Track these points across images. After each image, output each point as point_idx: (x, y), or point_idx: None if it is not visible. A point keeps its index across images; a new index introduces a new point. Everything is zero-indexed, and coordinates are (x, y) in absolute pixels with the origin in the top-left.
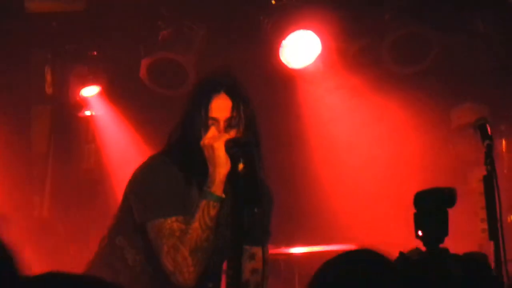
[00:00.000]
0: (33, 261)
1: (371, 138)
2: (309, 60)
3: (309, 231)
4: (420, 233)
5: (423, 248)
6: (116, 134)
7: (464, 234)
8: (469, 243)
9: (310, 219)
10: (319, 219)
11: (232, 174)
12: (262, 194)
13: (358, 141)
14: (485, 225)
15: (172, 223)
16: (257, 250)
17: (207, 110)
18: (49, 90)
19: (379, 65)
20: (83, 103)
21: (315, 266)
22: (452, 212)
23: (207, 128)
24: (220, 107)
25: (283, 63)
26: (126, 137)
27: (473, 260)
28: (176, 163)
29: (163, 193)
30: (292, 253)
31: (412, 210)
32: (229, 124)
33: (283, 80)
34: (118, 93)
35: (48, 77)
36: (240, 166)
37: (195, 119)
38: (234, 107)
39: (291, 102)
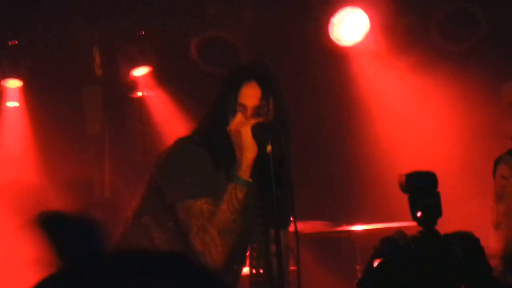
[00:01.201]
0: None
1: (423, 116)
2: (358, 37)
3: (369, 209)
4: (419, 214)
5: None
6: (168, 114)
7: None
8: None
9: (370, 197)
10: (378, 197)
11: (260, 157)
12: (286, 178)
13: (409, 119)
14: None
15: (202, 204)
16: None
17: (236, 96)
18: (98, 71)
19: (428, 42)
20: (134, 84)
21: (376, 243)
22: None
23: (234, 114)
24: (250, 94)
25: (332, 40)
26: (178, 117)
27: (469, 239)
28: (204, 146)
29: (193, 175)
30: (352, 231)
31: (468, 186)
32: (257, 112)
33: (333, 57)
34: (168, 73)
35: (97, 58)
36: (268, 148)
37: (225, 104)
38: (264, 96)
39: (341, 78)
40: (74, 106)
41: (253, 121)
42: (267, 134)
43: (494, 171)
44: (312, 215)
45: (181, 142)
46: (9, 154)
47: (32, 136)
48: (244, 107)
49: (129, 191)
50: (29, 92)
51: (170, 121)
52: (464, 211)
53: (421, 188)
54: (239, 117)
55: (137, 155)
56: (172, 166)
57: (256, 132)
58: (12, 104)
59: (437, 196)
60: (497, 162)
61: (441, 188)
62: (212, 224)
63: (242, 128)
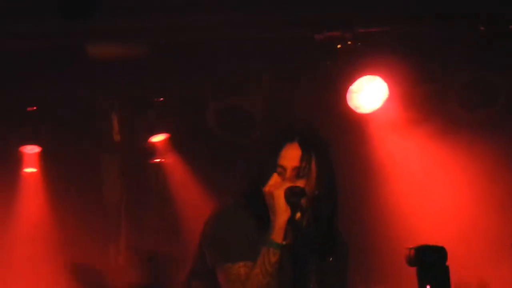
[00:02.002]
0: None
1: (441, 184)
2: (376, 105)
3: (383, 272)
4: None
5: None
6: (186, 180)
7: None
8: None
9: (393, 261)
10: (396, 266)
11: (291, 222)
12: (333, 243)
13: (428, 186)
14: None
15: (239, 268)
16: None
17: (276, 157)
18: (117, 137)
19: (446, 111)
20: (153, 150)
21: None
22: None
23: (269, 176)
24: (289, 156)
25: (351, 108)
26: (195, 183)
27: None
28: (247, 209)
29: (231, 239)
30: None
31: (503, 250)
32: (297, 173)
33: (351, 124)
34: (186, 139)
35: (115, 124)
36: (297, 215)
37: (264, 166)
38: (304, 157)
39: (359, 144)
40: (92, 172)
41: (288, 184)
42: (298, 199)
43: None
44: None
45: (222, 207)
46: (26, 220)
47: (49, 202)
48: (283, 168)
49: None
50: (47, 158)
51: (187, 187)
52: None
53: (430, 263)
54: (274, 178)
55: (154, 221)
56: (212, 231)
57: (288, 196)
58: (30, 170)
59: (446, 270)
60: None
61: (459, 257)
62: None
63: (276, 190)
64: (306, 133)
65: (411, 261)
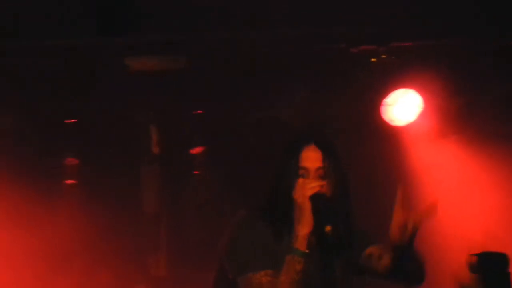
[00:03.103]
0: None
1: (476, 192)
2: (411, 117)
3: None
4: None
5: None
6: (226, 192)
7: None
8: None
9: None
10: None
11: (317, 233)
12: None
13: (463, 194)
14: None
15: (261, 277)
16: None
17: (297, 160)
18: (155, 149)
19: (481, 122)
20: (191, 162)
21: None
22: None
23: (297, 178)
24: (311, 157)
25: (385, 121)
26: (233, 195)
27: None
28: (266, 218)
29: (252, 249)
30: None
31: None
32: (320, 174)
33: (386, 136)
34: (224, 151)
35: (154, 137)
36: (327, 228)
37: (286, 170)
38: (325, 158)
39: (394, 157)
40: (131, 184)
41: (313, 189)
42: (326, 212)
43: None
44: None
45: (240, 217)
46: (66, 232)
47: (88, 214)
48: (306, 170)
49: (185, 269)
50: (87, 171)
51: (226, 198)
52: None
53: (494, 269)
54: (300, 183)
55: (193, 233)
56: (231, 242)
57: (316, 207)
58: (70, 182)
59: (508, 276)
60: None
61: None
62: None
63: (300, 198)
64: (321, 136)
65: (473, 268)
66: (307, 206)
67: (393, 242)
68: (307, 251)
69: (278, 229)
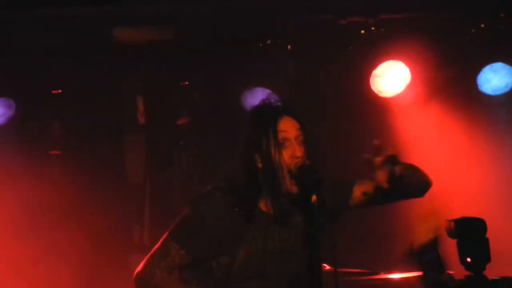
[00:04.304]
0: None
1: (460, 164)
2: (399, 89)
3: (406, 257)
4: (468, 260)
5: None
6: (212, 163)
7: None
8: None
9: (407, 246)
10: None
11: (304, 202)
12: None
13: (450, 168)
14: None
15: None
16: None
17: (275, 129)
18: (141, 119)
19: (468, 92)
20: (177, 132)
21: None
22: None
23: (279, 146)
24: (289, 125)
25: (373, 92)
26: (222, 166)
27: None
28: (235, 191)
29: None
30: (390, 278)
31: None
32: (299, 142)
33: (374, 107)
34: (212, 123)
35: (140, 106)
36: (313, 197)
37: (262, 140)
38: (302, 127)
39: (382, 127)
40: (117, 153)
41: (299, 159)
42: (313, 181)
43: None
44: (348, 263)
45: (201, 198)
46: (51, 201)
47: (74, 183)
48: (286, 138)
49: None
50: (73, 140)
51: (212, 168)
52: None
53: (471, 234)
54: (284, 151)
55: (178, 203)
56: (185, 224)
57: (302, 175)
58: (55, 151)
59: (486, 242)
60: None
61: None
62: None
63: (286, 168)
64: (291, 108)
65: (451, 233)
66: (291, 175)
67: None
68: (286, 220)
69: (248, 204)
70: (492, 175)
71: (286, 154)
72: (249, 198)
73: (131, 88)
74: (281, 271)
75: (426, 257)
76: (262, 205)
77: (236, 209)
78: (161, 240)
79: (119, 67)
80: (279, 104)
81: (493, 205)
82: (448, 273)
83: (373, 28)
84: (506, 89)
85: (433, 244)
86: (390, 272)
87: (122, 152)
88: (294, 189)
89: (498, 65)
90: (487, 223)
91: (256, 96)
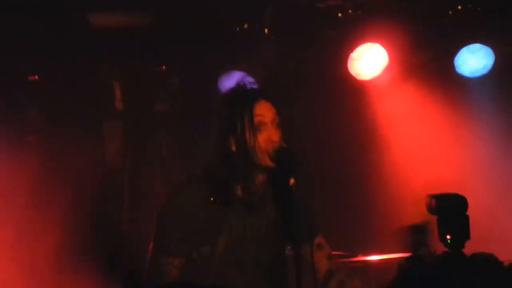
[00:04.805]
0: None
1: (438, 147)
2: (376, 72)
3: (384, 239)
4: (448, 237)
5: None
6: (190, 149)
7: None
8: None
9: (386, 227)
10: (394, 228)
11: (281, 185)
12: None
13: (428, 151)
14: None
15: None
16: (320, 239)
17: (251, 112)
18: (119, 105)
19: (445, 75)
20: (155, 118)
21: (391, 273)
22: None
23: (254, 129)
24: (265, 109)
25: (351, 74)
26: (200, 151)
27: (494, 262)
28: (210, 179)
29: (185, 224)
30: (368, 261)
31: (493, 214)
32: (275, 125)
33: (352, 90)
34: (189, 108)
35: (118, 92)
36: (291, 181)
37: (237, 124)
38: (278, 111)
39: (359, 109)
40: (94, 139)
41: (276, 142)
42: (291, 164)
43: None
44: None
45: (177, 189)
46: (27, 186)
47: (51, 169)
48: (263, 122)
49: (148, 224)
50: (49, 127)
51: (190, 154)
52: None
53: (451, 211)
54: (260, 134)
55: (157, 188)
56: (164, 218)
57: (280, 158)
58: (32, 137)
59: (466, 219)
60: None
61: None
62: None
63: (263, 151)
64: (266, 92)
65: (431, 209)
66: (268, 158)
67: None
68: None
69: (225, 192)
70: (470, 156)
71: (261, 138)
72: (226, 185)
73: (108, 74)
74: (258, 259)
75: (417, 238)
76: (238, 193)
77: (213, 198)
78: (150, 254)
79: (96, 53)
80: (254, 87)
81: (472, 184)
82: (426, 248)
83: (350, 11)
84: (485, 71)
85: (425, 226)
86: (368, 254)
87: (101, 138)
88: (271, 164)
89: (476, 46)
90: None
91: (232, 80)
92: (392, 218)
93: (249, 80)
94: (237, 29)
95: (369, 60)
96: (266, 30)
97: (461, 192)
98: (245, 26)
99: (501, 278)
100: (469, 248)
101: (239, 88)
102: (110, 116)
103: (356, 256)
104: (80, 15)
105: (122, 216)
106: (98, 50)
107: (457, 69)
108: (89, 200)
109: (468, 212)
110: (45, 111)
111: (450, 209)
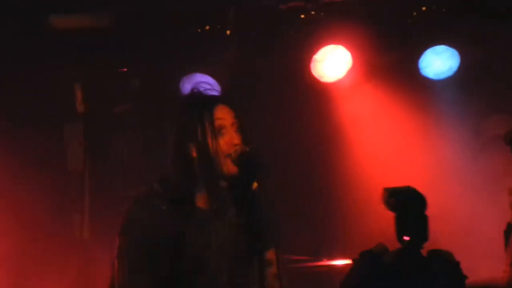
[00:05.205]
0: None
1: (404, 150)
2: (340, 74)
3: (348, 243)
4: (407, 238)
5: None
6: (152, 151)
7: (495, 245)
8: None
9: (350, 232)
10: (359, 231)
11: (244, 189)
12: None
13: (392, 153)
14: None
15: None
16: (271, 255)
17: (211, 116)
18: (80, 108)
19: (409, 77)
20: (117, 121)
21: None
22: (483, 224)
23: (216, 136)
24: (225, 113)
25: (315, 77)
26: (161, 153)
27: (450, 262)
28: (164, 193)
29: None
30: (333, 265)
31: (458, 214)
32: (235, 129)
33: (316, 91)
34: (151, 109)
35: (79, 95)
36: (254, 184)
37: (196, 131)
38: (237, 114)
39: (323, 111)
40: (56, 142)
41: (238, 146)
42: (255, 168)
43: (509, 234)
44: (292, 250)
45: (135, 206)
46: None
47: (11, 172)
48: (223, 125)
49: (109, 226)
50: (10, 129)
51: (151, 156)
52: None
53: (410, 211)
54: (222, 138)
55: (118, 190)
56: (122, 239)
57: (243, 162)
58: None
59: (425, 219)
60: None
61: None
62: None
63: (225, 155)
64: (225, 96)
65: (390, 205)
66: (231, 162)
67: None
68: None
69: (185, 203)
70: (436, 157)
71: (222, 142)
72: (184, 196)
73: (69, 76)
74: (220, 266)
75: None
76: (199, 201)
77: (174, 210)
78: (116, 273)
79: (56, 54)
80: (212, 92)
81: (438, 185)
82: (382, 245)
83: (312, 13)
84: (450, 73)
85: None
86: (333, 258)
87: (62, 141)
88: (233, 169)
89: (441, 48)
90: (430, 202)
91: (193, 82)
92: (357, 221)
93: (207, 84)
94: (199, 30)
95: (332, 62)
96: (228, 32)
97: (426, 193)
98: (207, 27)
99: (455, 277)
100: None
101: (196, 93)
102: (72, 118)
103: (321, 260)
104: (40, 16)
105: (83, 219)
106: (58, 51)
107: (421, 71)
108: (50, 202)
109: (433, 212)
110: (5, 113)
111: (409, 208)
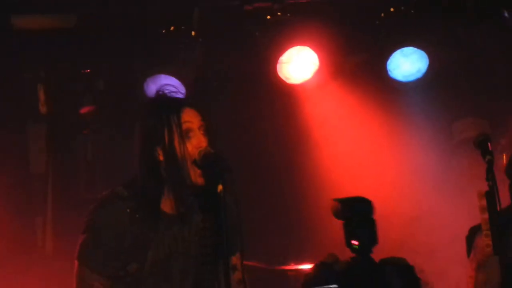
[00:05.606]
0: None
1: (373, 152)
2: (307, 75)
3: (316, 247)
4: (355, 242)
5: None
6: (116, 152)
7: (464, 249)
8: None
9: (318, 236)
10: (326, 235)
11: (210, 192)
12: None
13: (360, 155)
14: (489, 240)
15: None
16: (236, 260)
17: (179, 119)
18: (43, 109)
19: (377, 79)
20: (80, 121)
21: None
22: (451, 227)
23: (184, 139)
24: (192, 115)
25: (281, 78)
26: (126, 155)
27: (404, 266)
28: (130, 196)
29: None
30: (300, 269)
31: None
32: (203, 132)
33: (282, 93)
34: (114, 110)
35: (42, 96)
36: (219, 187)
37: (163, 135)
38: (204, 116)
39: (289, 113)
40: (18, 143)
41: (203, 148)
42: (219, 171)
43: (472, 239)
44: (257, 255)
45: (99, 208)
46: None
47: None
48: (190, 128)
49: (72, 228)
50: None
51: (118, 159)
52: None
53: (357, 215)
54: (188, 141)
55: (81, 193)
56: (83, 240)
57: (210, 164)
58: None
59: (373, 223)
60: (475, 232)
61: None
62: None
63: (191, 158)
64: (189, 99)
65: (337, 214)
66: (196, 164)
67: None
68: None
69: (150, 208)
70: (403, 159)
71: (190, 145)
72: (151, 200)
73: (32, 76)
74: (185, 271)
75: None
76: (165, 206)
77: (138, 215)
78: (76, 274)
79: (19, 55)
80: (177, 94)
81: (406, 187)
82: (333, 254)
83: (279, 14)
84: (419, 75)
85: None
86: (300, 263)
87: (24, 142)
88: (200, 180)
89: (410, 50)
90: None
91: (158, 83)
92: (324, 225)
93: (172, 86)
94: (164, 31)
95: (299, 64)
96: (193, 32)
97: (395, 195)
98: (171, 28)
99: (409, 282)
100: (408, 249)
101: (162, 96)
102: (35, 119)
103: (288, 264)
104: (3, 17)
105: (46, 221)
106: (21, 52)
107: (390, 73)
108: (12, 204)
109: (400, 214)
110: None
111: (356, 213)
